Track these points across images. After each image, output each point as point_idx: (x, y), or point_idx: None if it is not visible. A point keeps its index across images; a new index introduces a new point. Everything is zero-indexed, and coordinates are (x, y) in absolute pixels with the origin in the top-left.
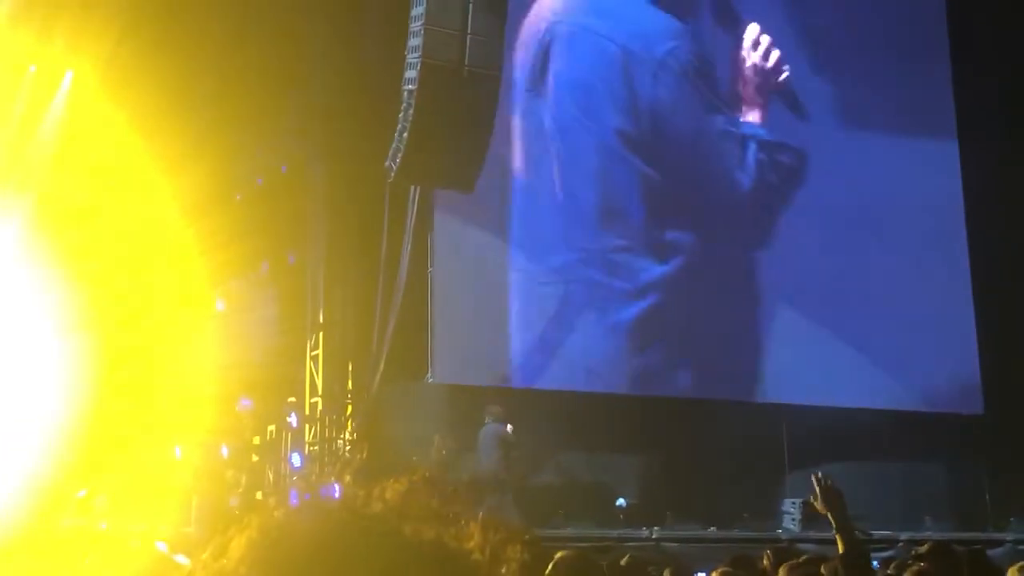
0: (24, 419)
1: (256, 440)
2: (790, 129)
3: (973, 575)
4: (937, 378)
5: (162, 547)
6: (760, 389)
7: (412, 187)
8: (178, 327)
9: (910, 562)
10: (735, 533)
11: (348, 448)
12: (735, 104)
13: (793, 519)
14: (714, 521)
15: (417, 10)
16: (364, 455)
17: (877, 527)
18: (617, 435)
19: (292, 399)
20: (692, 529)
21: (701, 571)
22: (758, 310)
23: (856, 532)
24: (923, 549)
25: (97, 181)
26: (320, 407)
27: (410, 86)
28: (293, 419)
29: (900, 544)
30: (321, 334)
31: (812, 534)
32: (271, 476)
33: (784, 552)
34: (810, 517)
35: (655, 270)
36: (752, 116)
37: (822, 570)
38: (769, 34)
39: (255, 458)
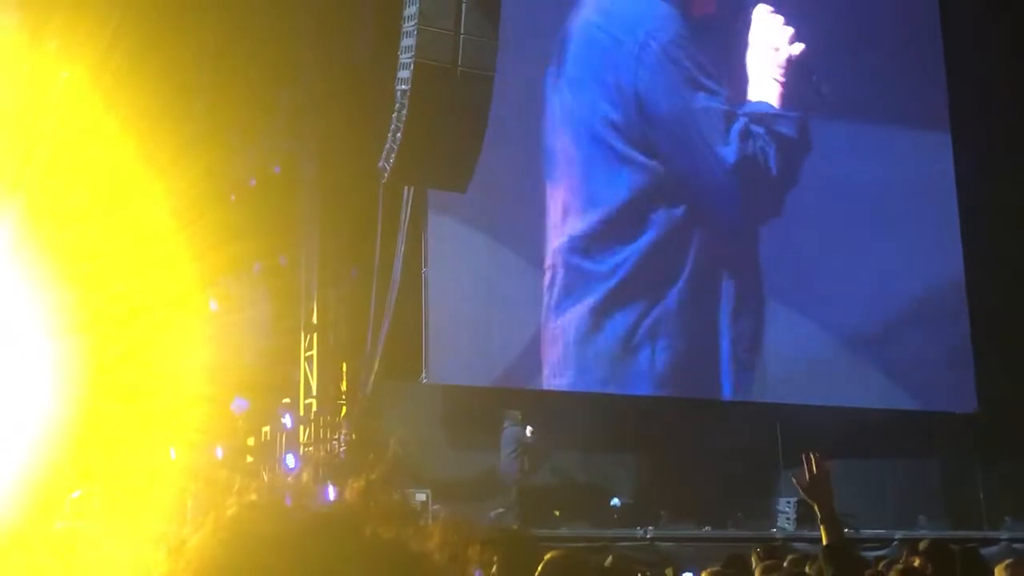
0: (18, 420)
1: (251, 441)
2: (788, 108)
3: (967, 572)
4: (931, 377)
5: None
6: (753, 389)
7: (406, 187)
8: (171, 328)
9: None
10: (729, 533)
11: (343, 448)
12: (734, 81)
13: (787, 518)
14: (708, 521)
15: (410, 10)
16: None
17: (872, 526)
18: (611, 435)
19: (286, 400)
20: (686, 529)
21: (693, 569)
22: (753, 310)
23: (841, 523)
24: (922, 546)
25: (90, 182)
26: (315, 408)
27: (403, 86)
28: (287, 420)
29: (895, 543)
30: (315, 335)
31: (806, 533)
32: (266, 477)
33: (774, 551)
34: (804, 517)
35: (648, 276)
36: (754, 95)
37: (807, 569)
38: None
39: (249, 459)
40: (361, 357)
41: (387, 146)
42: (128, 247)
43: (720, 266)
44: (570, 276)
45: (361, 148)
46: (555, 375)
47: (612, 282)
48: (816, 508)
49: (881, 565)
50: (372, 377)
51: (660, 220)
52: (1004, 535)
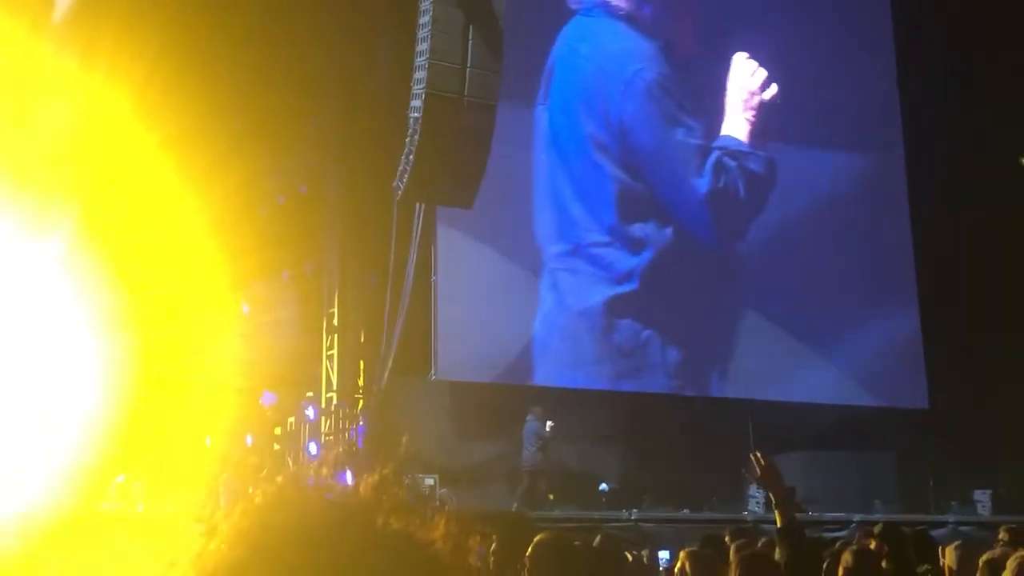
0: (68, 411)
1: (277, 431)
2: (757, 143)
3: (918, 552)
4: (887, 376)
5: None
6: (728, 386)
7: (417, 204)
8: (208, 328)
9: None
10: (705, 515)
11: (360, 438)
12: (709, 117)
13: (758, 502)
14: (686, 504)
15: (422, 46)
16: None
17: (832, 510)
18: (600, 427)
19: (310, 394)
20: (667, 511)
21: (670, 550)
22: (726, 316)
23: (792, 508)
24: (876, 529)
25: (135, 197)
26: (335, 401)
27: (416, 114)
28: (311, 412)
29: (853, 525)
30: (336, 335)
31: (773, 516)
32: (291, 463)
33: (745, 532)
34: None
35: (637, 287)
36: (727, 130)
37: (759, 545)
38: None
39: (276, 447)
40: (377, 356)
41: (401, 167)
42: (169, 255)
43: (702, 281)
44: (567, 285)
45: (377, 169)
46: (551, 373)
47: (604, 290)
48: (771, 495)
49: (838, 544)
50: (386, 374)
51: (651, 236)
52: (951, 519)
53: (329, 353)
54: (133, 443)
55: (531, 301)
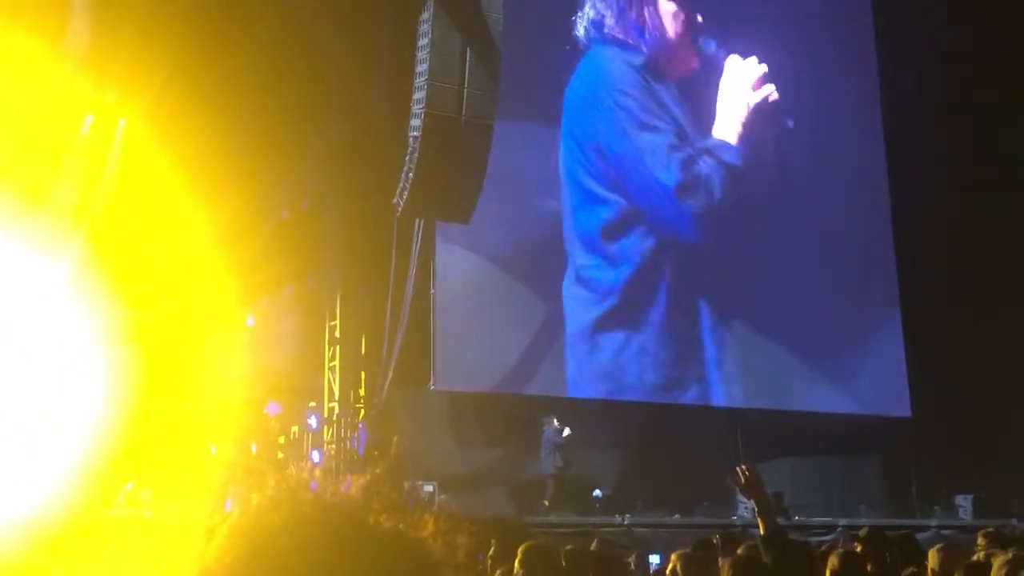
0: (78, 420)
1: (281, 439)
2: (745, 154)
3: (903, 555)
4: (871, 386)
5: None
6: (718, 395)
7: (417, 220)
8: (214, 339)
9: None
10: (696, 520)
11: (361, 446)
12: (696, 126)
13: (746, 507)
14: (678, 509)
15: (421, 67)
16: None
17: (819, 514)
18: (595, 435)
19: (313, 404)
20: (659, 516)
21: (660, 554)
22: (717, 327)
23: (776, 516)
24: (861, 533)
25: (145, 216)
26: (337, 411)
27: (415, 133)
28: (313, 421)
29: (839, 529)
30: (338, 347)
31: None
32: (294, 471)
33: (733, 536)
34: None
35: (629, 300)
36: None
37: (740, 551)
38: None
39: (280, 455)
40: (377, 366)
41: (400, 184)
42: (177, 269)
43: (689, 291)
44: (561, 296)
45: (378, 186)
46: (546, 383)
47: (599, 305)
48: (754, 505)
49: (824, 547)
50: (387, 384)
51: (635, 250)
52: (934, 523)
53: (331, 364)
54: (142, 451)
55: (527, 313)
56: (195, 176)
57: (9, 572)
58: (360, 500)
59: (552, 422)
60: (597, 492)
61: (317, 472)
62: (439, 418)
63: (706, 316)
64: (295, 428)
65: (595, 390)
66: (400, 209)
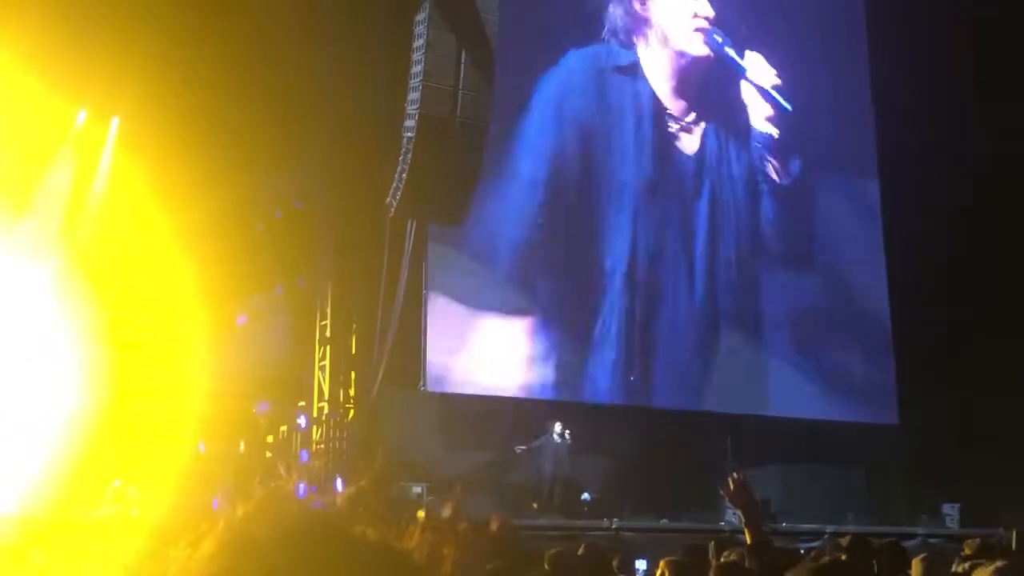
0: (69, 418)
1: (270, 439)
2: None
3: (891, 563)
4: (860, 394)
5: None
6: (708, 401)
7: (409, 221)
8: (204, 338)
9: (829, 552)
10: (683, 524)
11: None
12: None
13: (734, 513)
14: (666, 513)
15: (416, 68)
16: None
17: (806, 521)
18: (583, 439)
19: (302, 403)
20: (646, 520)
21: (646, 559)
22: (708, 333)
23: (762, 525)
24: (844, 542)
25: (136, 214)
26: (326, 411)
27: (409, 134)
28: (302, 421)
29: (826, 536)
30: (328, 347)
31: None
32: (282, 470)
33: (726, 542)
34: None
35: (616, 298)
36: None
37: (723, 558)
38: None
39: (268, 455)
40: (368, 367)
41: (394, 185)
42: (168, 268)
43: (680, 299)
44: (552, 299)
45: (371, 187)
46: (536, 386)
47: (588, 305)
48: (740, 513)
49: (812, 554)
50: (377, 385)
51: (630, 256)
52: (921, 531)
53: (321, 364)
54: (130, 448)
55: (518, 316)
56: (187, 174)
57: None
58: (346, 511)
59: (550, 427)
60: (585, 496)
61: (306, 473)
62: (429, 419)
63: (697, 322)
64: (284, 427)
65: (585, 394)
66: (393, 210)
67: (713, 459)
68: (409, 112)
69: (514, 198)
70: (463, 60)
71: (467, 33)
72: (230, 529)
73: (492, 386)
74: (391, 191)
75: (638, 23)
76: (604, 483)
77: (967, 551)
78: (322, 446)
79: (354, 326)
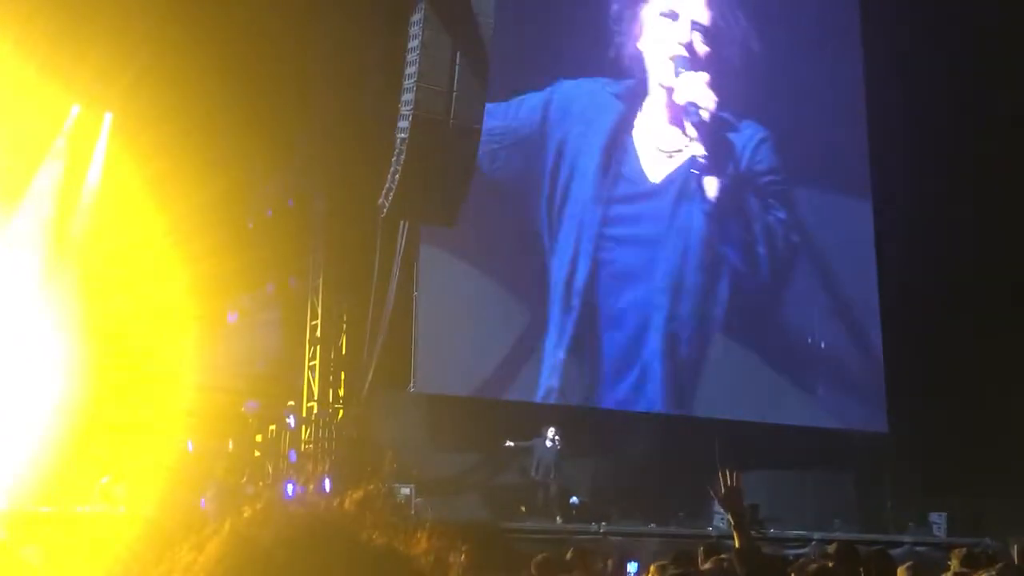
0: (57, 414)
1: (258, 438)
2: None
3: (877, 571)
4: (848, 400)
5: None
6: (696, 406)
7: (401, 222)
8: (194, 335)
9: (817, 560)
10: (671, 529)
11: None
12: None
13: (722, 518)
14: (653, 518)
15: (411, 69)
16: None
17: (793, 527)
18: (571, 442)
19: (291, 403)
20: (634, 525)
21: (636, 560)
22: (698, 339)
23: (750, 530)
24: (831, 549)
25: (127, 210)
26: (315, 411)
27: (402, 135)
28: (291, 420)
29: (813, 543)
30: (318, 347)
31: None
32: (270, 470)
33: (714, 547)
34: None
35: (610, 302)
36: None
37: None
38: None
39: (257, 454)
40: (358, 367)
41: (386, 186)
42: (158, 264)
43: (670, 303)
44: (542, 302)
45: (363, 187)
46: (525, 389)
47: (578, 309)
48: (729, 516)
49: (800, 561)
50: (367, 385)
51: (622, 258)
52: (908, 539)
53: (311, 364)
54: (118, 446)
55: (508, 319)
56: (180, 171)
57: None
58: (353, 515)
59: (544, 433)
60: (574, 499)
61: (294, 473)
62: (418, 421)
63: (686, 328)
64: (273, 427)
65: (574, 397)
66: (385, 210)
67: (701, 464)
68: (403, 113)
69: (507, 199)
70: (458, 62)
71: (462, 35)
72: (236, 532)
73: (481, 388)
74: (383, 191)
75: (635, 55)
76: (592, 487)
77: (954, 561)
78: (311, 446)
79: (344, 326)
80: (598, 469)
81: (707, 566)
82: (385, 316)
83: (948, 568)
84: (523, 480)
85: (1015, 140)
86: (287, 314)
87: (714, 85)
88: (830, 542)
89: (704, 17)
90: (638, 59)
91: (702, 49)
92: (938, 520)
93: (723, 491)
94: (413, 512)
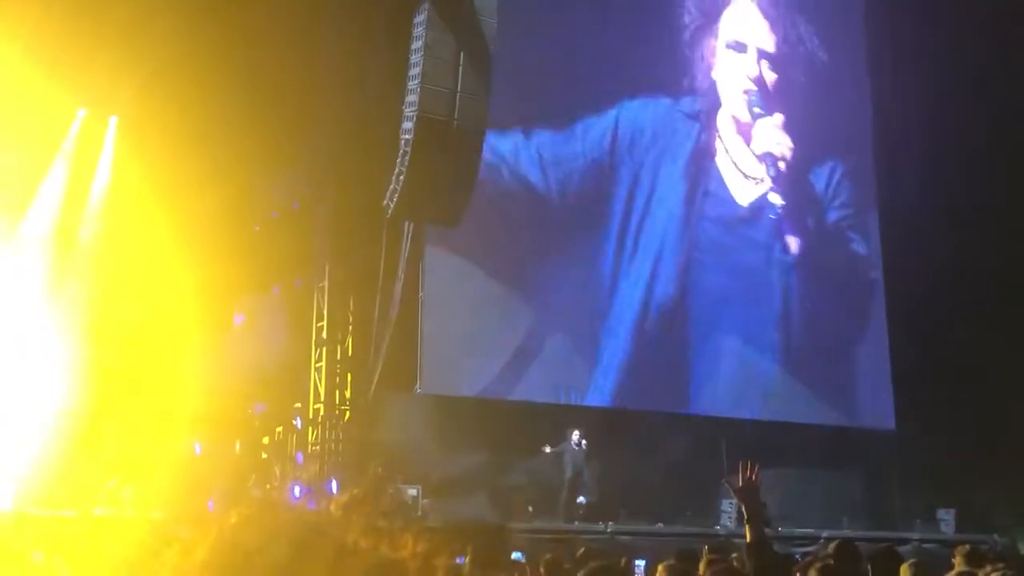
0: (66, 417)
1: (265, 440)
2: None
3: (885, 568)
4: (856, 398)
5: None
6: (704, 405)
7: (406, 223)
8: (201, 338)
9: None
10: (678, 528)
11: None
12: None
13: (729, 517)
14: (661, 518)
15: (415, 70)
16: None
17: (801, 525)
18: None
19: (298, 404)
20: (642, 524)
21: (646, 559)
22: (704, 338)
23: (763, 525)
24: (831, 547)
25: (133, 213)
26: (322, 412)
27: (407, 136)
28: (298, 422)
29: (821, 541)
30: (324, 348)
31: (744, 530)
32: (277, 472)
33: (720, 546)
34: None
35: (612, 303)
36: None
37: (735, 562)
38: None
39: (264, 456)
40: (363, 369)
41: (391, 187)
42: (164, 267)
43: (678, 305)
44: (548, 303)
45: (368, 188)
46: (531, 389)
47: (584, 309)
48: (744, 509)
49: (808, 559)
50: (372, 387)
51: (627, 260)
52: (915, 536)
53: (317, 366)
54: (125, 449)
55: (513, 320)
56: (185, 174)
57: None
58: (339, 519)
59: (569, 434)
60: (581, 499)
61: (301, 474)
62: (424, 422)
63: (693, 326)
64: (280, 428)
65: (580, 397)
66: (390, 211)
67: (709, 464)
68: (407, 114)
69: (516, 204)
70: (461, 62)
71: (466, 35)
72: (223, 536)
73: (487, 389)
74: (388, 193)
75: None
76: (600, 487)
77: (957, 558)
78: (318, 447)
79: (350, 327)
80: (605, 469)
81: (712, 565)
82: (391, 317)
83: (953, 566)
84: (555, 481)
85: None
86: (293, 316)
87: (788, 126)
88: (837, 540)
89: (770, 44)
90: (711, 88)
91: (771, 77)
92: (946, 517)
93: (740, 484)
94: (420, 513)
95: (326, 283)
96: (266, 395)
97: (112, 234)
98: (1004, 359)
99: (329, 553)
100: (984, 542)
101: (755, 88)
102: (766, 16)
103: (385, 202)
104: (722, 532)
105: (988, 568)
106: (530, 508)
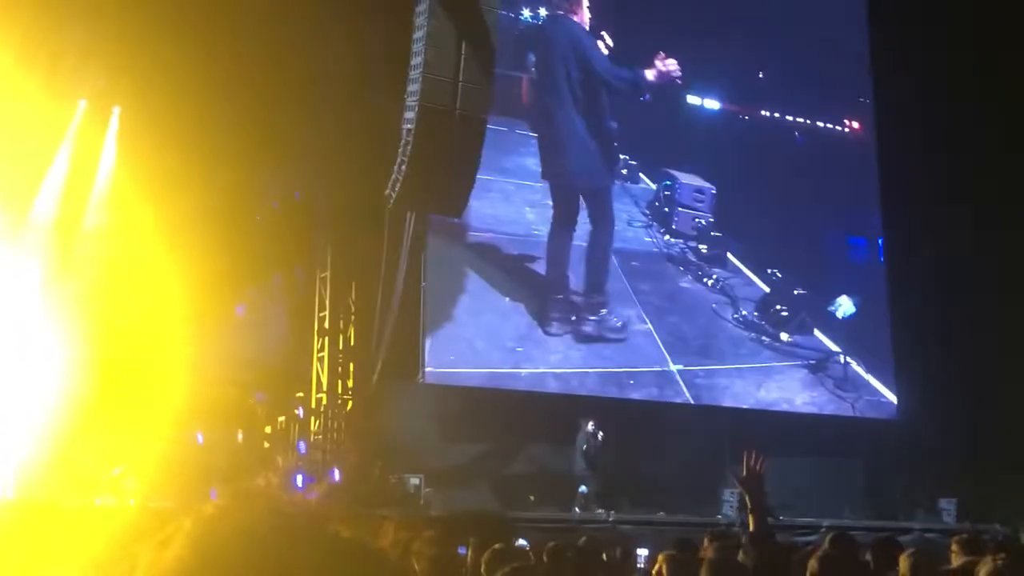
0: (67, 407)
1: (268, 429)
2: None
3: (884, 558)
4: (858, 387)
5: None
6: (705, 394)
7: (408, 212)
8: (203, 329)
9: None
10: (680, 518)
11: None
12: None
13: (731, 506)
14: (663, 507)
15: (416, 59)
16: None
17: (803, 515)
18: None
19: (300, 394)
20: (644, 513)
21: (647, 547)
22: (704, 326)
23: (766, 514)
24: (828, 538)
25: (135, 202)
26: (324, 402)
27: (409, 126)
28: (300, 411)
29: (823, 530)
30: (327, 338)
31: (747, 520)
32: (280, 461)
33: (721, 535)
34: (745, 506)
35: (614, 293)
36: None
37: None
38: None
39: (266, 445)
40: (366, 358)
41: (393, 176)
42: (166, 257)
43: (679, 293)
44: (548, 298)
45: (370, 178)
46: (533, 379)
47: (585, 299)
48: (747, 499)
49: (810, 548)
50: (375, 376)
51: (631, 247)
52: (917, 526)
53: (320, 355)
54: (128, 438)
55: (515, 309)
56: (187, 164)
57: None
58: (319, 509)
59: (584, 425)
60: (583, 488)
61: (304, 464)
62: (427, 411)
63: (695, 315)
64: (282, 418)
65: (583, 387)
66: (392, 201)
67: (710, 453)
68: (409, 103)
69: (514, 189)
70: (463, 51)
71: (468, 25)
72: (197, 528)
73: (490, 378)
74: (390, 182)
75: None
76: (602, 476)
77: (954, 547)
78: (320, 437)
79: (353, 317)
80: (608, 458)
81: (711, 553)
82: (393, 307)
83: (951, 556)
84: (531, 469)
85: None
86: (295, 306)
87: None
88: (839, 529)
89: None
90: None
91: None
92: (948, 507)
93: (744, 473)
94: (422, 502)
95: (328, 273)
96: (268, 384)
97: (114, 224)
98: (1008, 348)
99: (308, 543)
100: (986, 532)
101: None
102: None
103: (387, 192)
104: (723, 521)
105: (988, 557)
106: (532, 497)
